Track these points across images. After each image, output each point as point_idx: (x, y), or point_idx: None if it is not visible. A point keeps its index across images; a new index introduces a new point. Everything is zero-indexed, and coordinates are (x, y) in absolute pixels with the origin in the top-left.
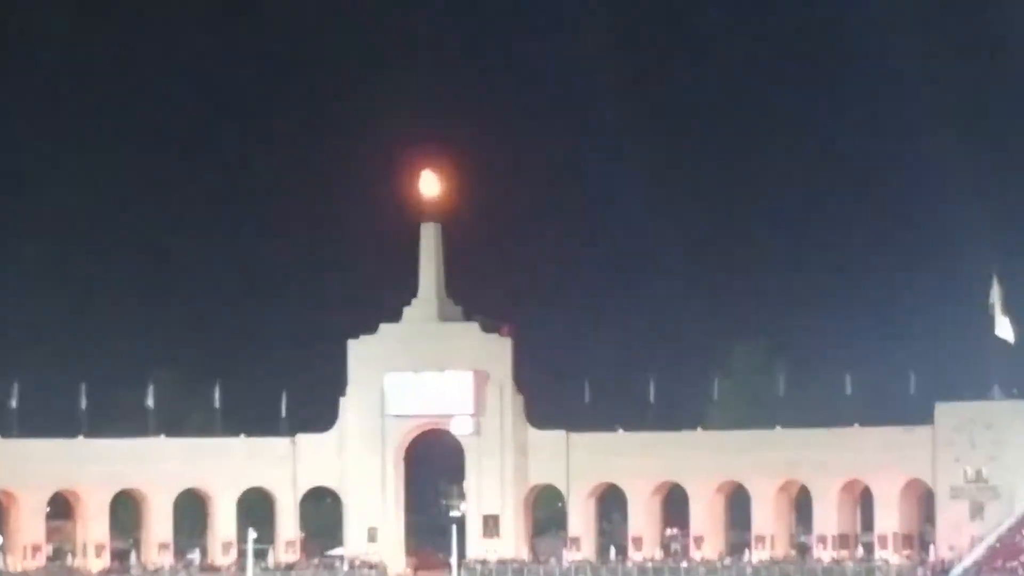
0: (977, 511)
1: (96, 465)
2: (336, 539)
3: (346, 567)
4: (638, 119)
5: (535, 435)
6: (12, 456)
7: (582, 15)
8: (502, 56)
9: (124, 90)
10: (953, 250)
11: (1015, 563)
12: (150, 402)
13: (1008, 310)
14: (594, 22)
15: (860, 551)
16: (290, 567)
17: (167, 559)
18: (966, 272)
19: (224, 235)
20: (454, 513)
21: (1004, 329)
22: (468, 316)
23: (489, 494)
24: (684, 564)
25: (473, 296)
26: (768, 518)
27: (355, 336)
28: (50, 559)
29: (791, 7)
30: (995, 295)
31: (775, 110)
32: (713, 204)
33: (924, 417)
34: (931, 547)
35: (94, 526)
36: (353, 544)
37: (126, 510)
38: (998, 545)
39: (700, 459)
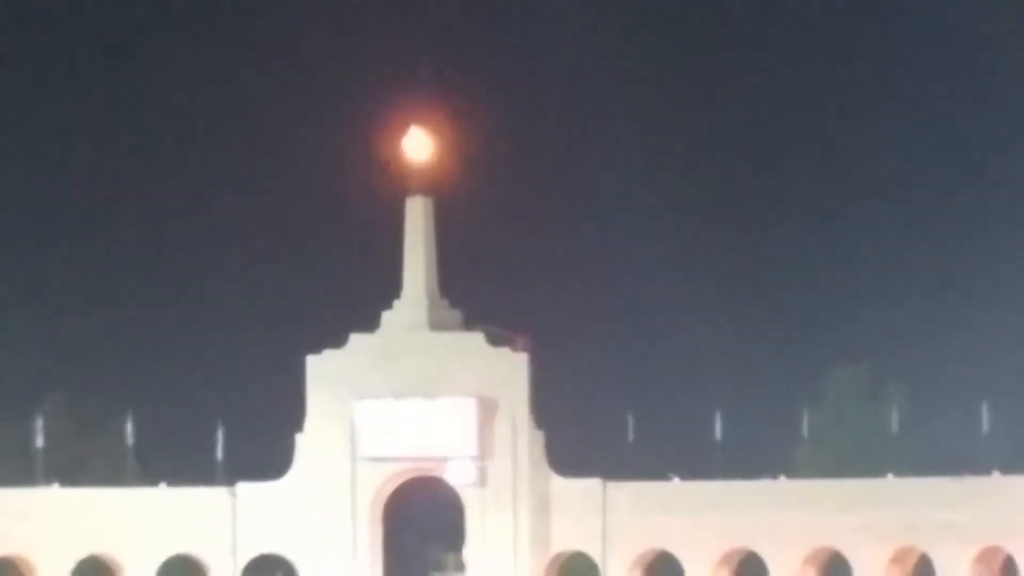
0: None
1: None
2: None
3: None
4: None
5: (560, 484)
6: None
7: None
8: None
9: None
10: None
11: None
12: (39, 440)
13: None
14: None
15: None
16: None
17: None
18: None
19: (141, 222)
20: None
21: None
22: (469, 324)
23: (498, 564)
24: None
25: (476, 297)
26: None
27: (316, 351)
28: None
29: None
30: None
31: (870, 103)
32: (798, 184)
33: None
34: None
35: None
36: None
37: None
38: None
39: (783, 518)
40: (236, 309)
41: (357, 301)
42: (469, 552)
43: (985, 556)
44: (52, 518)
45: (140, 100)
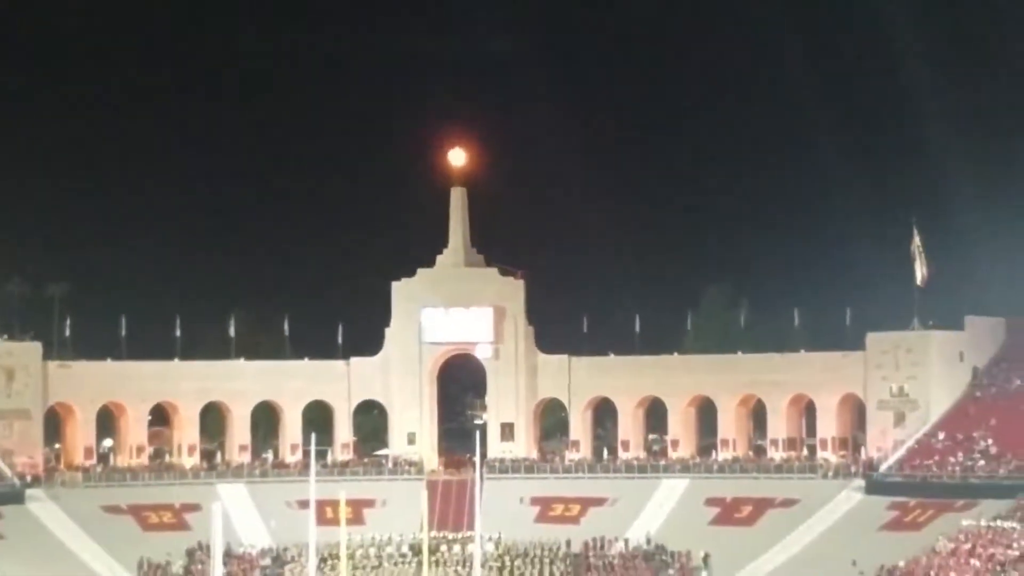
0: (899, 420)
1: (188, 382)
2: (382, 442)
3: (390, 464)
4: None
5: (543, 359)
6: (120, 375)
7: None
8: (522, 51)
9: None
10: (883, 204)
11: (929, 461)
12: (232, 331)
13: (925, 254)
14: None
15: (805, 452)
16: (345, 464)
17: (246, 457)
18: (890, 224)
19: (298, 196)
20: (477, 421)
21: (922, 273)
22: (488, 263)
23: (506, 406)
24: (663, 462)
25: (493, 247)
26: (731, 425)
27: (398, 279)
28: (151, 458)
29: None
30: (915, 244)
31: (745, 66)
32: (689, 169)
33: (858, 344)
34: (862, 448)
35: (187, 431)
36: (396, 446)
37: (213, 419)
38: (916, 447)
39: (676, 378)
40: (352, 253)
41: (423, 247)
42: (489, 399)
43: (796, 400)
44: (239, 379)
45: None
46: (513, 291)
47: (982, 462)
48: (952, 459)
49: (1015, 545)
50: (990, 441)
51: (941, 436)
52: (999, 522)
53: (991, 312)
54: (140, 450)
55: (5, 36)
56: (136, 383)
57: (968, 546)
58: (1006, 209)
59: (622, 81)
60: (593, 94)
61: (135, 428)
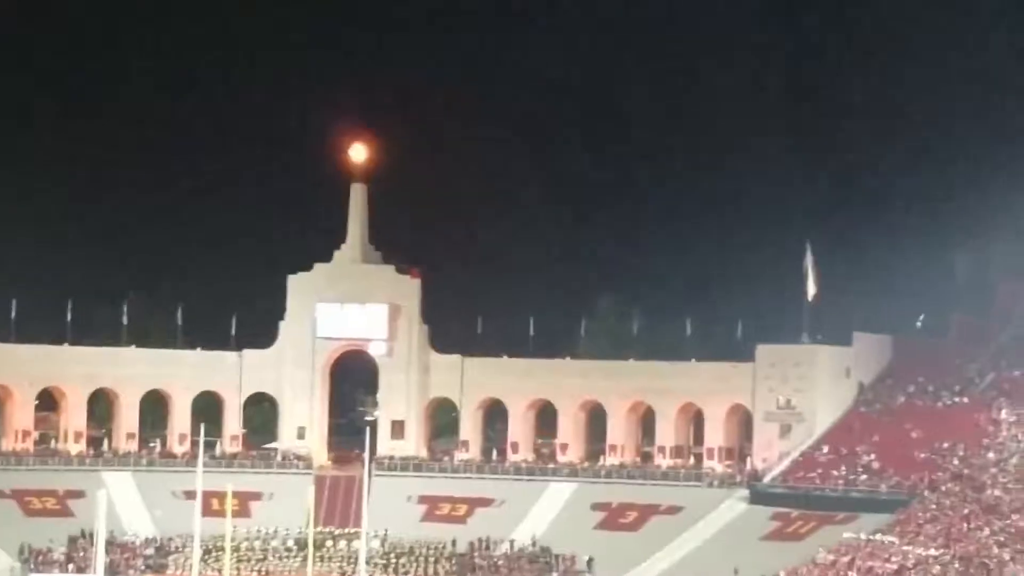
0: (786, 431)
1: (77, 367)
2: (272, 435)
3: (279, 458)
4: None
5: (436, 358)
6: (8, 358)
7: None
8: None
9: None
10: (776, 223)
11: (813, 474)
12: (124, 318)
13: (816, 274)
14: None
15: (691, 460)
16: (234, 456)
17: (133, 446)
18: (785, 240)
19: (198, 183)
20: (368, 418)
21: (812, 289)
22: (385, 260)
23: (397, 403)
24: (551, 465)
25: (390, 244)
26: (620, 431)
27: (294, 272)
28: (37, 443)
29: None
30: (808, 261)
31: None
32: (587, 176)
33: (747, 355)
34: (748, 459)
35: (74, 417)
36: (286, 440)
37: (101, 405)
38: (800, 459)
39: (568, 382)
40: (248, 245)
41: (320, 242)
42: (381, 396)
43: (685, 408)
44: (129, 366)
45: None
46: (409, 289)
47: (864, 476)
48: (835, 472)
49: (893, 559)
50: (873, 456)
51: (825, 449)
52: (879, 536)
53: (879, 329)
54: (26, 435)
55: None
56: (24, 366)
57: (847, 558)
58: (897, 229)
59: (523, 81)
60: (495, 94)
61: (21, 412)
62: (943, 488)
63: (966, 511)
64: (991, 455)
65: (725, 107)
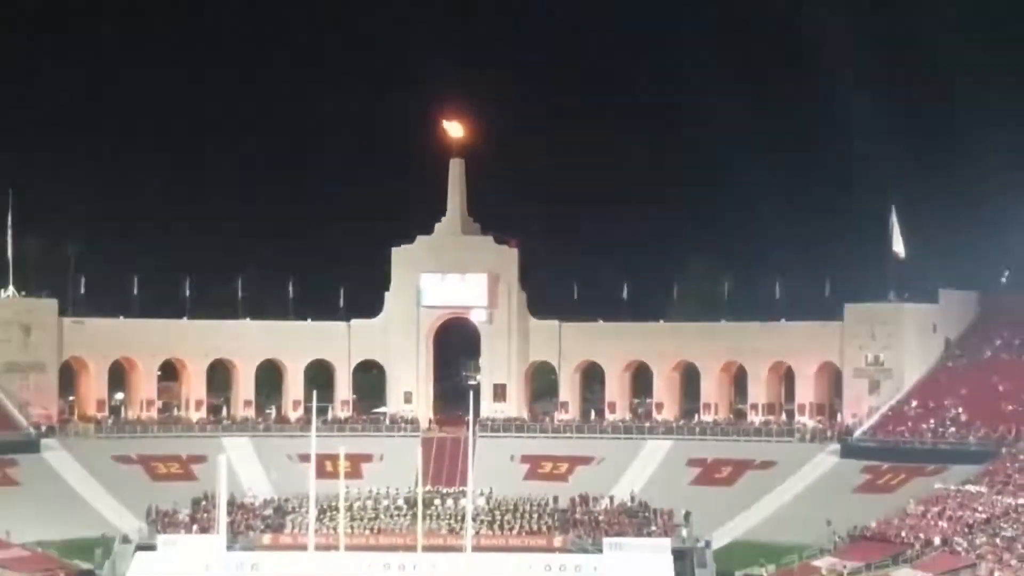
0: (874, 387)
1: (197, 340)
2: (380, 400)
3: (388, 421)
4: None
5: (534, 323)
6: (133, 332)
7: None
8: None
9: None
10: (862, 183)
11: (902, 427)
12: (239, 293)
13: (902, 233)
14: None
15: (783, 416)
16: (344, 421)
17: (250, 412)
18: (870, 200)
19: (305, 164)
20: (471, 382)
21: (899, 248)
22: (484, 231)
23: (498, 368)
24: (647, 424)
25: (488, 216)
26: (713, 389)
27: (398, 245)
28: (160, 411)
29: None
30: (893, 221)
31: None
32: (678, 147)
33: (836, 314)
34: (838, 414)
35: (195, 386)
36: (394, 404)
37: (219, 375)
38: (889, 414)
39: (662, 344)
40: (355, 220)
41: (422, 215)
42: (483, 361)
43: (776, 367)
44: (246, 338)
45: None
46: (507, 259)
47: (952, 429)
48: (924, 426)
49: (981, 508)
50: (960, 409)
51: (914, 404)
52: (968, 486)
53: (964, 286)
54: (150, 404)
55: None
56: (147, 339)
57: (938, 508)
58: (981, 186)
59: (617, 55)
60: (588, 69)
61: (145, 383)
62: None
63: None
64: None
65: (809, 69)
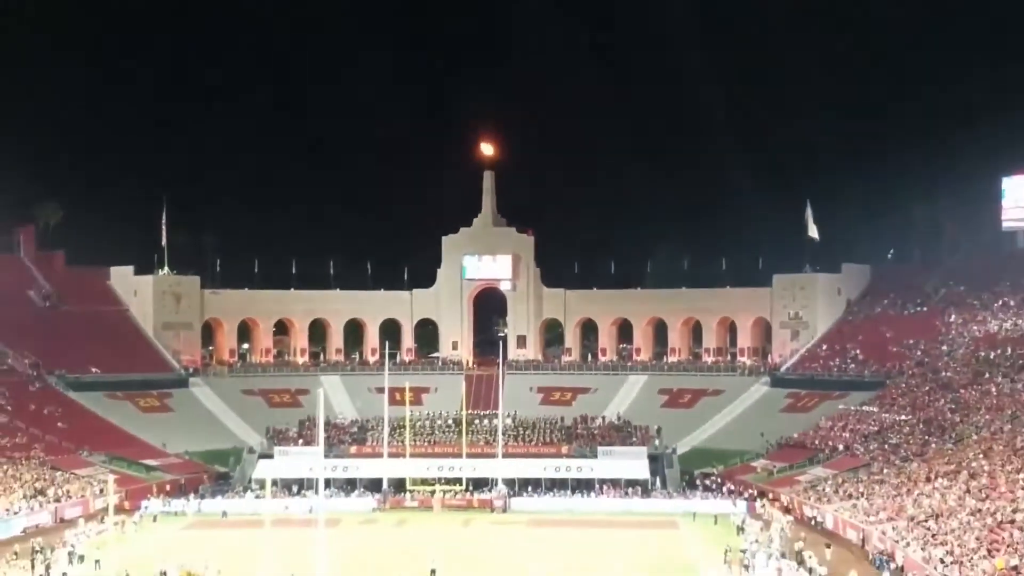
0: (795, 335)
1: (301, 305)
2: (435, 348)
3: (440, 363)
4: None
5: (546, 291)
6: (254, 299)
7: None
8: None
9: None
10: (785, 184)
11: (816, 364)
12: (331, 269)
13: (815, 220)
14: None
15: (729, 357)
16: (409, 363)
17: (340, 357)
18: (792, 196)
19: (375, 173)
20: (500, 334)
21: (813, 233)
22: (509, 224)
23: (520, 324)
24: (629, 364)
25: (512, 212)
26: (677, 338)
27: (447, 234)
28: (275, 357)
29: None
30: (808, 212)
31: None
32: (655, 153)
33: (767, 282)
34: (769, 355)
35: (300, 339)
36: (444, 350)
37: (318, 330)
38: (806, 354)
39: (639, 305)
40: (412, 216)
41: (465, 212)
42: (509, 319)
43: (722, 321)
44: (336, 303)
45: None
46: (526, 244)
47: (852, 365)
48: (831, 363)
49: (873, 423)
50: (858, 351)
51: (824, 347)
52: (864, 407)
53: (861, 260)
54: (267, 352)
55: None
56: (265, 305)
57: (842, 423)
58: (875, 186)
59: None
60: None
61: (264, 336)
62: (910, 372)
63: (926, 388)
64: (944, 347)
65: (732, 81)
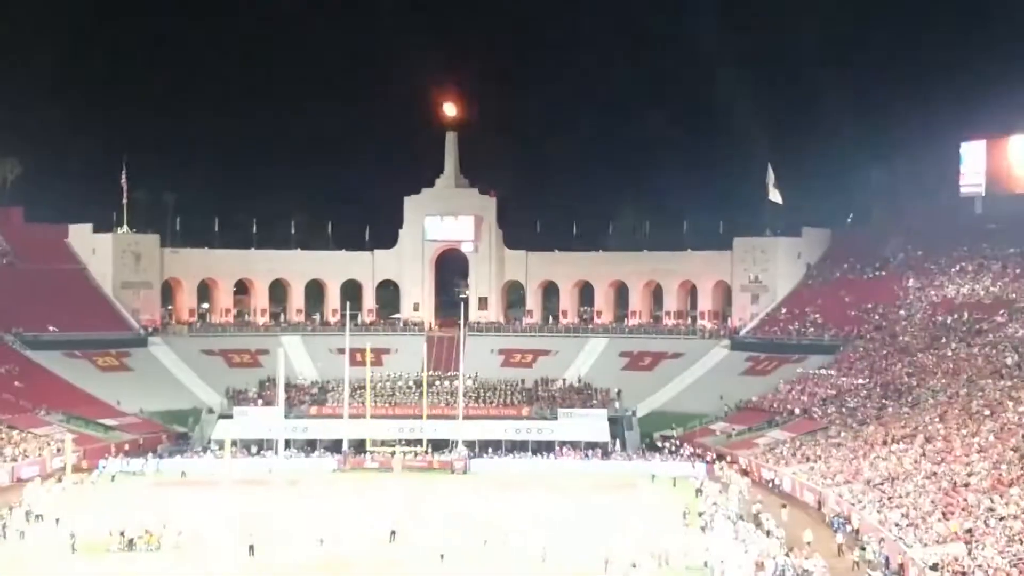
0: (755, 299)
1: (262, 264)
2: (396, 309)
3: (401, 324)
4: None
5: (508, 253)
6: (215, 259)
7: None
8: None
9: None
10: (747, 147)
11: (775, 328)
12: (292, 230)
13: (777, 185)
14: None
15: (689, 320)
16: (370, 324)
17: (301, 318)
18: (754, 159)
19: (341, 134)
20: (462, 296)
21: (775, 197)
22: (471, 185)
23: (482, 285)
24: (590, 326)
25: (475, 173)
26: (638, 301)
27: (409, 195)
28: (235, 317)
29: None
30: (769, 176)
31: None
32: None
33: (727, 245)
34: (729, 319)
35: (260, 299)
36: (406, 311)
37: (278, 290)
38: (766, 318)
39: (601, 268)
40: (375, 176)
41: (427, 173)
42: (471, 280)
43: (683, 284)
44: (297, 263)
45: None
46: (488, 205)
47: (812, 329)
48: (791, 327)
49: (831, 386)
50: (817, 315)
51: (783, 311)
52: (822, 370)
53: (820, 224)
54: (227, 311)
55: None
56: (225, 265)
57: (800, 386)
58: (833, 151)
59: (568, 44)
60: (550, 55)
61: (224, 296)
62: (868, 336)
63: (884, 352)
64: (902, 312)
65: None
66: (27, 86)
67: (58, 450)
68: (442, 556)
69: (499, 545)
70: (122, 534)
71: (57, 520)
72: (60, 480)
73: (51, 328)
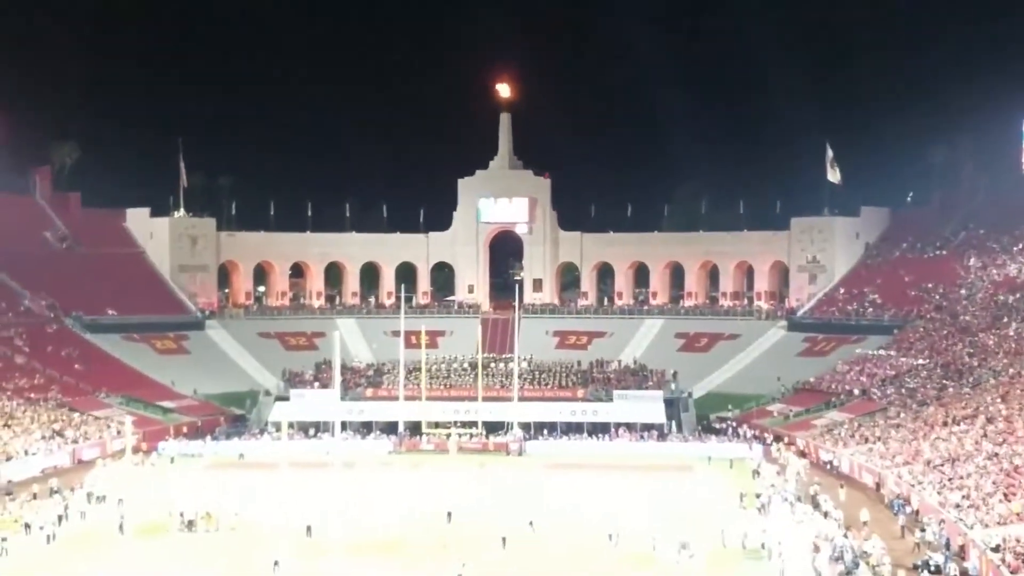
0: (813, 279)
1: (317, 248)
2: (450, 291)
3: (456, 307)
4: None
5: (563, 234)
6: (271, 242)
7: None
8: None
9: None
10: (805, 126)
11: (833, 308)
12: (347, 212)
13: (835, 164)
14: None
15: (745, 301)
16: (425, 306)
17: (356, 300)
18: (812, 138)
19: (395, 119)
20: (516, 278)
21: (834, 176)
22: (525, 166)
23: (536, 267)
24: (645, 307)
25: (529, 155)
26: (694, 282)
27: (463, 177)
28: (291, 300)
29: None
30: (828, 155)
31: None
32: (680, 101)
33: (784, 225)
34: (786, 299)
35: (316, 282)
36: (460, 294)
37: (334, 273)
38: (824, 298)
39: (656, 249)
40: (431, 159)
41: (481, 154)
42: (525, 262)
43: (740, 265)
44: (352, 246)
45: None
46: (543, 187)
47: (871, 309)
48: (849, 307)
49: (890, 367)
50: (876, 295)
51: (841, 291)
52: (881, 351)
53: (880, 204)
54: (283, 294)
55: None
56: (281, 248)
57: (859, 367)
58: (894, 129)
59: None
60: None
61: (280, 279)
62: (928, 316)
63: (945, 332)
64: (963, 291)
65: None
66: (83, 69)
67: (118, 432)
68: (504, 540)
69: (558, 528)
70: (181, 515)
71: (120, 500)
72: (120, 462)
73: (110, 312)
